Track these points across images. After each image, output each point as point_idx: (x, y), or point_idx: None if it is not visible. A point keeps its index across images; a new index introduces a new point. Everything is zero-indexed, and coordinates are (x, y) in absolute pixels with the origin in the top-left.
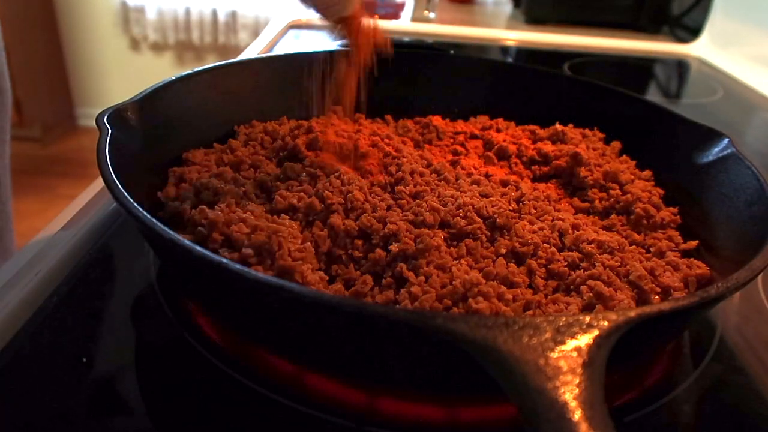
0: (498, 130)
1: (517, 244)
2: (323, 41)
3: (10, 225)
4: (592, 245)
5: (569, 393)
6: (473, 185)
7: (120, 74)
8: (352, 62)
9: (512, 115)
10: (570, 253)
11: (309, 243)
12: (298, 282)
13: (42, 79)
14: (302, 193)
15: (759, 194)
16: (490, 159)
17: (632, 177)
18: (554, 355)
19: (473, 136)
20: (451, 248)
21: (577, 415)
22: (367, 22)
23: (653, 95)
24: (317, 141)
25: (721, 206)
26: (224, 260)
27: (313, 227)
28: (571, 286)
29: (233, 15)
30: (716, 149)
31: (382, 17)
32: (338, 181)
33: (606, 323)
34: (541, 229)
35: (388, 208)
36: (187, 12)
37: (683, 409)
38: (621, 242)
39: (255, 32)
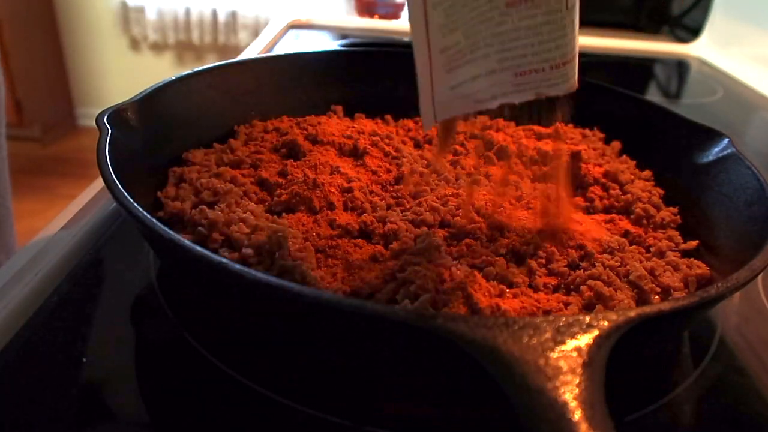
0: (498, 130)
1: (517, 244)
2: (323, 41)
3: (11, 220)
4: (593, 245)
5: (569, 393)
6: (473, 185)
7: (120, 74)
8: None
9: (512, 115)
10: (570, 252)
11: (309, 243)
12: (298, 282)
13: (42, 79)
14: (302, 193)
15: (759, 194)
16: (490, 159)
17: (632, 177)
18: (554, 355)
19: (473, 136)
20: (451, 247)
21: (577, 415)
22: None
23: (653, 95)
24: (317, 140)
25: (720, 206)
26: (224, 260)
27: (313, 225)
28: (571, 286)
29: (233, 15)
30: (716, 149)
31: (382, 17)
32: (338, 180)
33: (606, 323)
34: None
35: (388, 207)
36: (187, 12)
37: (683, 409)
38: (621, 242)
39: (255, 32)
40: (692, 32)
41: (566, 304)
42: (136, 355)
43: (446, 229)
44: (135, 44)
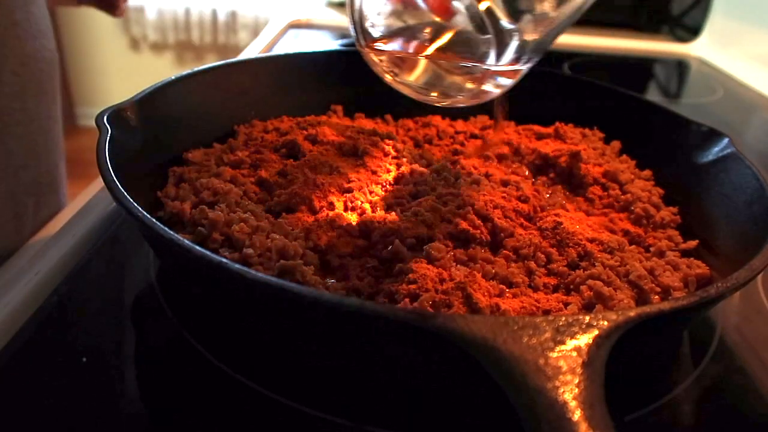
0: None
1: (517, 244)
2: (323, 41)
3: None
4: (592, 245)
5: (569, 393)
6: (473, 185)
7: (120, 74)
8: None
9: (512, 115)
10: (570, 252)
11: (309, 243)
12: (299, 282)
13: None
14: (302, 193)
15: (759, 194)
16: (489, 159)
17: (632, 177)
18: (554, 354)
19: (473, 136)
20: (451, 248)
21: (576, 414)
22: None
23: (653, 95)
24: (317, 140)
25: (720, 206)
26: (224, 260)
27: (313, 225)
28: (571, 286)
29: (233, 15)
30: (716, 149)
31: None
32: (338, 180)
33: (606, 323)
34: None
35: (388, 207)
36: (187, 12)
37: (683, 408)
38: (621, 242)
39: (255, 32)
40: (692, 32)
41: (566, 304)
42: (136, 355)
43: (446, 229)
44: (135, 44)
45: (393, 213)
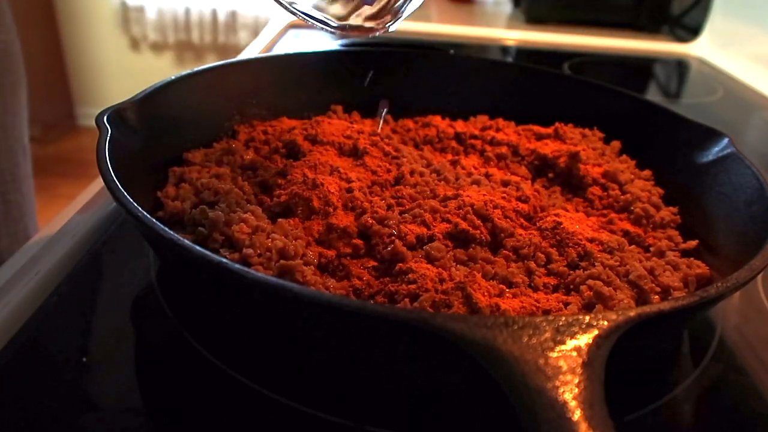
0: (498, 130)
1: (517, 244)
2: (323, 41)
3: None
4: (592, 245)
5: (569, 393)
6: (473, 185)
7: (120, 74)
8: None
9: (512, 115)
10: (570, 252)
11: (309, 242)
12: (299, 282)
13: (42, 79)
14: (302, 193)
15: (759, 194)
16: (489, 159)
17: (632, 177)
18: (554, 354)
19: (473, 136)
20: (451, 248)
21: (576, 414)
22: None
23: (653, 95)
24: (317, 140)
25: (720, 206)
26: (224, 260)
27: (312, 226)
28: (571, 286)
29: (233, 15)
30: (716, 149)
31: None
32: (338, 180)
33: (606, 323)
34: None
35: (388, 207)
36: (187, 12)
37: (683, 408)
38: (621, 242)
39: (255, 32)
40: (692, 32)
41: (566, 304)
42: (136, 355)
43: (446, 229)
44: (135, 44)
45: (393, 213)
